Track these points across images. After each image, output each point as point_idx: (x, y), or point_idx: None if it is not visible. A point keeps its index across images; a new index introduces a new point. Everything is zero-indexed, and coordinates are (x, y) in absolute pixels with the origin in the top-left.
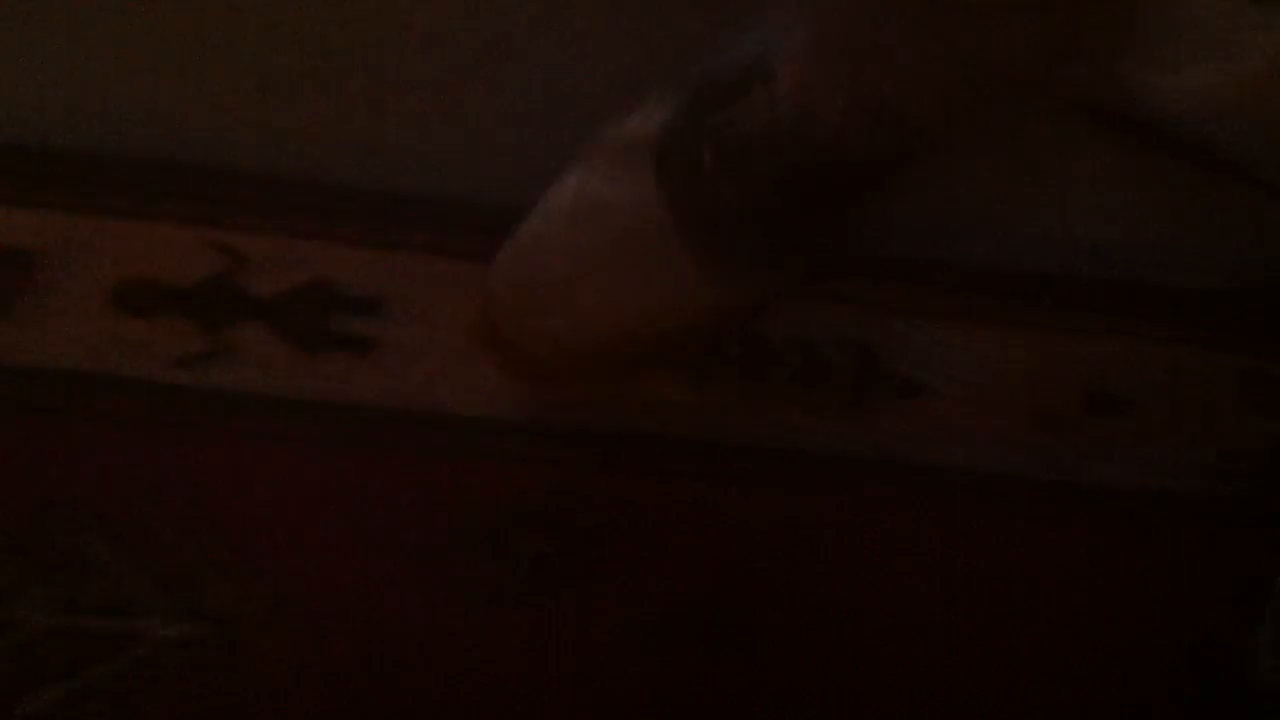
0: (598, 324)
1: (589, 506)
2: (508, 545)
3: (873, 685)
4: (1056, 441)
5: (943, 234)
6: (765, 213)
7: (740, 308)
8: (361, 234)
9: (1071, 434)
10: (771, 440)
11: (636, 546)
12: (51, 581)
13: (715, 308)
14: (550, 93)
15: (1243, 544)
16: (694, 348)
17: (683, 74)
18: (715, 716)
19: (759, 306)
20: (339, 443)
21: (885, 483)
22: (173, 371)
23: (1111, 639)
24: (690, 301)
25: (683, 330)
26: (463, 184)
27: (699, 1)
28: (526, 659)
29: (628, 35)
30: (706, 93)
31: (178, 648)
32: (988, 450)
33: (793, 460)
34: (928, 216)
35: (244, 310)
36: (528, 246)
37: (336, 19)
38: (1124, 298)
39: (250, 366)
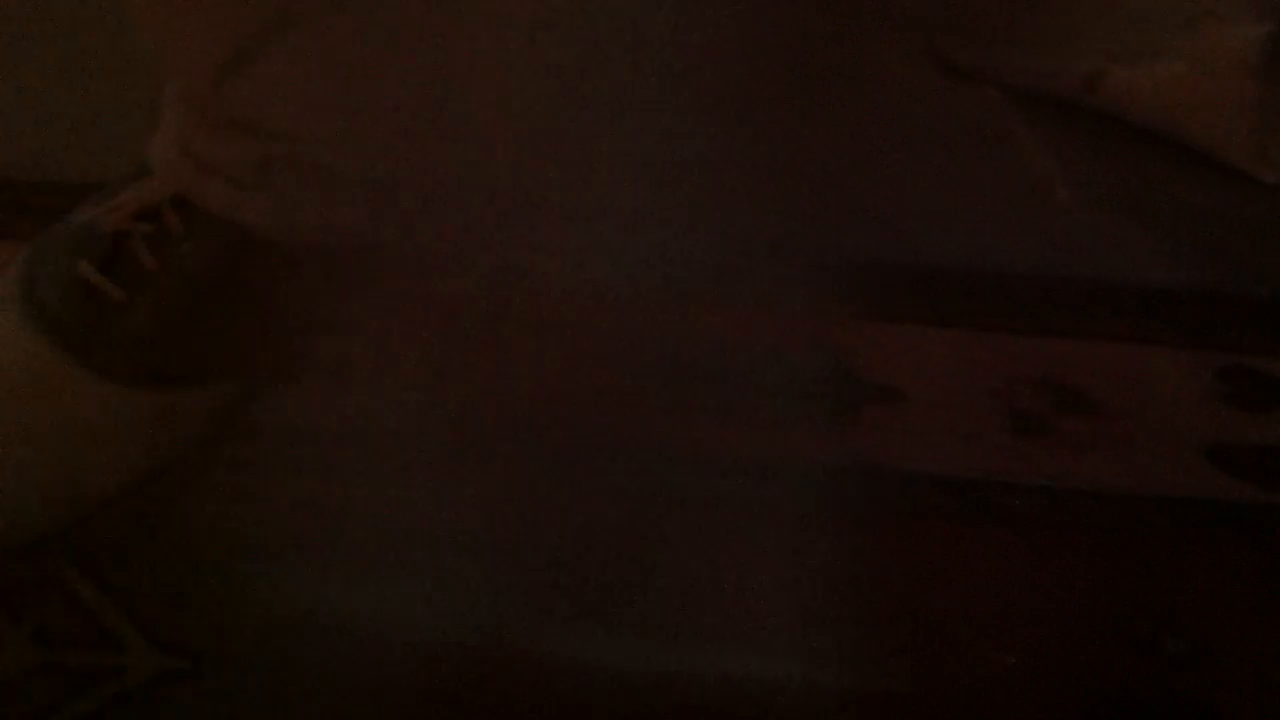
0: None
1: None
2: None
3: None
4: (1032, 444)
5: (909, 235)
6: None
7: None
8: None
9: (1047, 436)
10: (748, 454)
11: None
12: (28, 619)
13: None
14: None
15: (1236, 544)
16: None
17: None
18: None
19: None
20: None
21: (863, 492)
22: None
23: (1103, 640)
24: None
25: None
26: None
27: None
28: None
29: None
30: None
31: (155, 684)
32: (963, 455)
33: (770, 474)
34: (893, 218)
35: None
36: None
37: None
38: (1094, 296)
39: None
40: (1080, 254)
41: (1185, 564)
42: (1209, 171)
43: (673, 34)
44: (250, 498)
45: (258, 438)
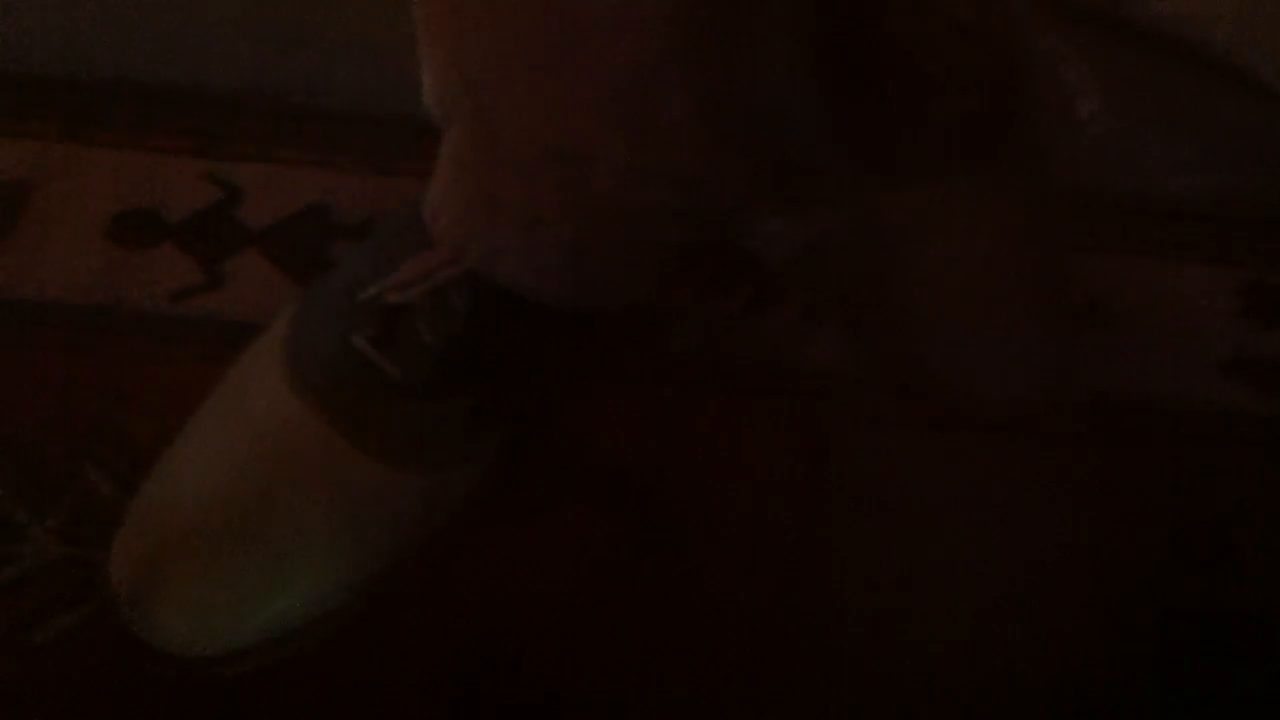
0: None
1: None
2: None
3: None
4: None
5: None
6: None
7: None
8: (356, 160)
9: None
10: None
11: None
12: (56, 512)
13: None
14: None
15: (1247, 458)
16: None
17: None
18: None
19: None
20: None
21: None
22: (171, 304)
23: (1120, 543)
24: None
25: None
26: None
27: None
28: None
29: None
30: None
31: None
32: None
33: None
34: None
35: (240, 241)
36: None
37: None
38: (1124, 210)
39: (248, 297)
40: (1105, 167)
41: (1199, 473)
42: (1236, 84)
43: None
44: None
45: None
